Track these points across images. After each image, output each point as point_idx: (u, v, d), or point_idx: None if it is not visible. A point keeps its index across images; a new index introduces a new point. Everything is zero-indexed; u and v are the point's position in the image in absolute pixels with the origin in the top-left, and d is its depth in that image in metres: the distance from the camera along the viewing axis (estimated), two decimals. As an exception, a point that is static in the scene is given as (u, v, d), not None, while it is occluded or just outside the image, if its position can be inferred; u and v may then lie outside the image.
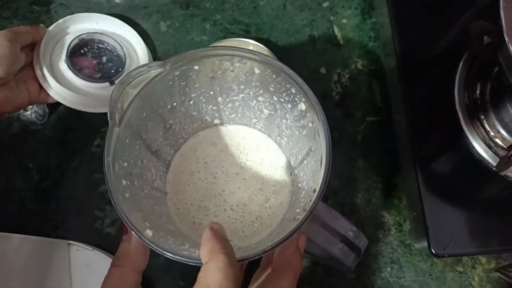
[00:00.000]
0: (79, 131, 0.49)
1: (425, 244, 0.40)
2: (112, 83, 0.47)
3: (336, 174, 0.47)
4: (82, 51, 0.48)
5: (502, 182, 0.40)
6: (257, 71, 0.29)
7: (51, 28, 0.47)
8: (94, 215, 0.46)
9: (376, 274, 0.45)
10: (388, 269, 0.45)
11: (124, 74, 0.39)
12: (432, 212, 0.40)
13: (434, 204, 0.40)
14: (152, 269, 0.45)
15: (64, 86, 0.44)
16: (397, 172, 0.47)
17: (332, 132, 0.48)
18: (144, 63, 0.48)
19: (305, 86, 0.26)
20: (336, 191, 0.47)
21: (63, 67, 0.46)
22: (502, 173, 0.38)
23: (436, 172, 0.42)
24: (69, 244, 0.42)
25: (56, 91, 0.44)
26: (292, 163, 0.34)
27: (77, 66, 0.47)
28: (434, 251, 0.39)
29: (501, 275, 0.44)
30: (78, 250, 0.42)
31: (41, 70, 0.44)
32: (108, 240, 0.45)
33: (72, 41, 0.47)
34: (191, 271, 0.44)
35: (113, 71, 0.48)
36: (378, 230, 0.46)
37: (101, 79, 0.47)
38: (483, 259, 0.45)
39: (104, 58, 0.49)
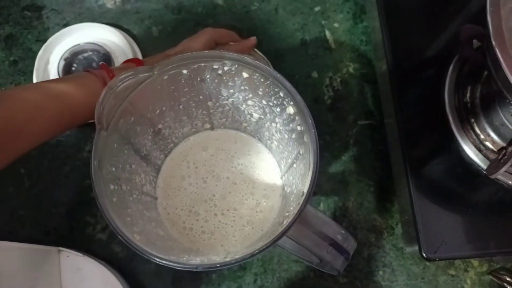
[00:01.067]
0: (71, 136, 0.48)
1: (417, 247, 0.40)
2: None
3: (328, 177, 0.47)
4: (73, 68, 0.49)
5: (492, 185, 0.40)
6: (245, 75, 0.29)
7: (40, 53, 0.48)
8: (85, 221, 0.46)
9: (369, 278, 0.45)
10: (381, 273, 0.45)
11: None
12: (423, 216, 0.40)
13: (425, 208, 0.40)
14: (143, 275, 0.44)
15: None
16: (389, 175, 0.47)
17: (324, 135, 0.48)
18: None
19: (293, 90, 0.26)
20: (328, 195, 0.47)
21: None
22: (492, 177, 0.38)
23: (427, 175, 0.42)
24: (59, 250, 0.42)
25: None
26: (282, 167, 0.34)
27: None
28: (425, 255, 0.39)
29: (493, 278, 0.44)
30: (68, 256, 0.42)
31: None
32: (99, 246, 0.45)
33: (58, 64, 0.48)
34: (183, 277, 0.44)
35: None
36: (370, 233, 0.46)
37: None
38: (475, 262, 0.45)
39: (94, 64, 0.50)
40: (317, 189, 0.47)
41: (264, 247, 0.23)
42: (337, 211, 0.46)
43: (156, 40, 0.52)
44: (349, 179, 0.48)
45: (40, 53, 0.49)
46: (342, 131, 0.49)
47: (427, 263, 0.45)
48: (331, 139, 0.49)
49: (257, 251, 0.23)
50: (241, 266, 0.45)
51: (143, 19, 0.53)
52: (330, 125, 0.49)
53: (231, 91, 0.31)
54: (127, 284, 0.42)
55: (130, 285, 0.43)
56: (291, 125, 0.29)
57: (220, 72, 0.29)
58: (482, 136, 0.41)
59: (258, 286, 0.44)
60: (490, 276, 0.45)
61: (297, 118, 0.28)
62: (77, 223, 0.46)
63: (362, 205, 0.47)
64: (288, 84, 0.26)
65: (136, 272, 0.44)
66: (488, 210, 0.41)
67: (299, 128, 0.28)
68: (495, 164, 0.38)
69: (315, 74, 0.51)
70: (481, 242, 0.39)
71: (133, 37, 0.52)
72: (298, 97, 0.26)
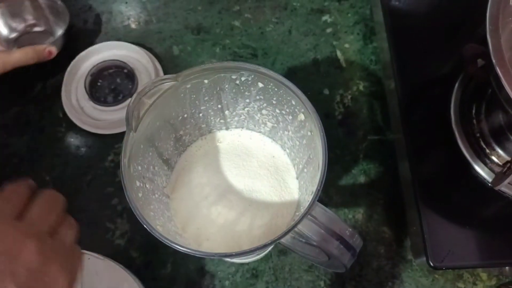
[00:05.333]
0: (94, 147, 0.51)
1: (424, 258, 0.41)
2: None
3: (338, 190, 0.49)
4: (99, 83, 0.53)
5: (497, 197, 0.42)
6: (260, 84, 0.31)
7: (69, 68, 0.52)
8: (105, 227, 0.48)
9: (378, 289, 0.46)
10: (390, 284, 0.46)
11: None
12: (429, 226, 0.41)
13: (431, 218, 0.42)
14: (159, 280, 0.46)
15: (92, 117, 0.51)
16: (397, 188, 0.49)
17: (335, 150, 0.50)
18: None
19: (303, 97, 0.29)
20: (338, 207, 0.48)
21: (89, 104, 0.52)
22: (497, 188, 0.39)
23: (434, 188, 0.43)
24: (81, 253, 0.44)
25: (83, 122, 0.51)
26: (294, 173, 0.36)
27: (99, 97, 0.53)
28: (432, 263, 0.40)
29: (501, 292, 0.45)
30: (89, 259, 0.44)
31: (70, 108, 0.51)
32: (118, 250, 0.47)
33: (85, 79, 0.52)
34: (197, 283, 0.46)
35: (130, 86, 0.53)
36: (380, 245, 0.47)
37: (122, 100, 0.51)
38: (483, 276, 0.46)
39: (118, 79, 0.54)
40: (327, 200, 0.49)
41: (276, 238, 0.24)
42: (347, 222, 0.48)
43: (177, 58, 0.55)
44: (359, 192, 0.49)
45: (68, 68, 0.52)
46: (352, 146, 0.51)
47: (436, 275, 0.46)
48: (342, 153, 0.51)
49: (270, 241, 0.24)
50: (253, 274, 0.46)
51: (164, 38, 0.56)
52: (341, 140, 0.51)
53: (247, 100, 0.34)
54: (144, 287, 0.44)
55: (146, 289, 0.44)
56: (301, 132, 0.32)
57: (237, 82, 0.31)
58: (487, 151, 0.43)
59: (270, 293, 0.46)
60: (499, 290, 0.45)
61: (307, 124, 0.30)
62: (97, 229, 0.48)
63: (372, 217, 0.48)
64: (299, 91, 0.29)
65: (152, 277, 0.46)
66: (494, 221, 0.42)
67: (309, 133, 0.30)
68: (500, 176, 0.40)
69: (326, 91, 0.53)
70: (487, 252, 0.40)
71: (155, 55, 0.55)
72: (308, 103, 0.28)
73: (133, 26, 0.57)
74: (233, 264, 0.47)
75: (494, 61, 0.34)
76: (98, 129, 0.51)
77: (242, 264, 0.47)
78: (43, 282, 0.25)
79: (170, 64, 0.55)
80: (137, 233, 0.48)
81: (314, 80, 0.54)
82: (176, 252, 0.47)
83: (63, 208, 0.28)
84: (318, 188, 0.25)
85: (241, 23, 0.57)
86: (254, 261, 0.46)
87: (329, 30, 0.56)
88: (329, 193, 0.49)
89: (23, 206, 0.27)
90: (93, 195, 0.49)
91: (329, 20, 0.57)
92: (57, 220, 0.27)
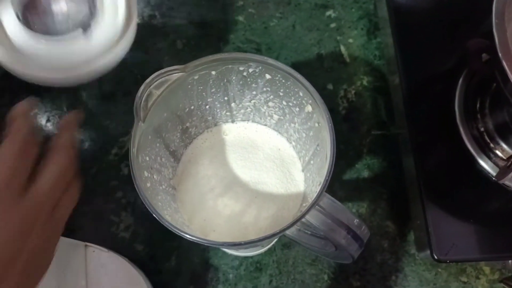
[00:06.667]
0: (98, 140, 0.51)
1: (428, 252, 0.41)
2: (85, 29, 0.36)
3: (342, 184, 0.49)
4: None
5: (501, 191, 0.42)
6: (268, 76, 0.31)
7: None
8: (110, 220, 0.48)
9: (381, 283, 0.46)
10: (393, 277, 0.46)
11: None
12: (434, 219, 0.41)
13: (436, 212, 0.42)
14: (163, 272, 0.46)
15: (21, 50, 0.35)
16: (401, 182, 0.49)
17: (339, 145, 0.50)
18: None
19: (311, 88, 0.29)
20: (342, 201, 0.48)
21: (24, 35, 0.35)
22: (501, 182, 0.40)
23: (438, 182, 0.44)
24: (86, 245, 0.44)
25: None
26: (300, 166, 0.36)
27: (32, 20, 0.35)
28: (436, 256, 0.40)
29: (505, 286, 0.45)
30: (94, 251, 0.44)
31: None
32: (122, 244, 0.47)
33: None
34: (201, 275, 0.46)
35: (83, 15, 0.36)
36: (383, 239, 0.47)
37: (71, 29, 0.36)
38: (486, 270, 0.46)
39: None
40: (331, 195, 0.49)
41: (285, 227, 0.25)
42: (351, 216, 0.48)
43: (180, 52, 0.56)
44: (363, 186, 0.49)
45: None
46: (356, 141, 0.51)
47: (439, 269, 0.46)
48: (346, 148, 0.51)
49: (279, 230, 0.25)
50: (257, 267, 0.47)
51: (168, 33, 0.56)
52: (345, 134, 0.51)
53: (254, 92, 0.34)
54: (148, 280, 0.44)
55: (151, 282, 0.44)
56: (308, 123, 0.32)
57: (245, 74, 0.32)
58: (491, 145, 0.43)
59: (273, 287, 0.46)
60: (502, 284, 0.45)
61: (314, 115, 0.30)
62: (102, 222, 0.48)
63: (375, 211, 0.48)
64: (307, 82, 0.29)
65: (157, 269, 0.46)
66: (498, 215, 0.42)
67: (316, 125, 0.30)
68: (504, 170, 0.40)
69: (330, 86, 0.53)
70: (491, 245, 0.41)
71: (159, 49, 0.55)
72: (317, 94, 0.29)
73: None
74: (237, 257, 0.47)
75: (500, 55, 0.34)
76: (49, 75, 0.36)
77: (246, 257, 0.47)
78: (41, 263, 0.25)
79: (173, 59, 0.55)
80: (142, 226, 0.48)
81: (318, 75, 0.54)
82: (181, 245, 0.48)
83: (72, 176, 0.26)
84: (327, 178, 0.25)
85: (244, 18, 0.57)
86: (258, 255, 0.47)
87: (333, 25, 0.56)
88: (333, 187, 0.49)
89: (31, 170, 0.25)
90: (98, 189, 0.49)
91: (333, 15, 0.57)
92: (63, 191, 0.26)
